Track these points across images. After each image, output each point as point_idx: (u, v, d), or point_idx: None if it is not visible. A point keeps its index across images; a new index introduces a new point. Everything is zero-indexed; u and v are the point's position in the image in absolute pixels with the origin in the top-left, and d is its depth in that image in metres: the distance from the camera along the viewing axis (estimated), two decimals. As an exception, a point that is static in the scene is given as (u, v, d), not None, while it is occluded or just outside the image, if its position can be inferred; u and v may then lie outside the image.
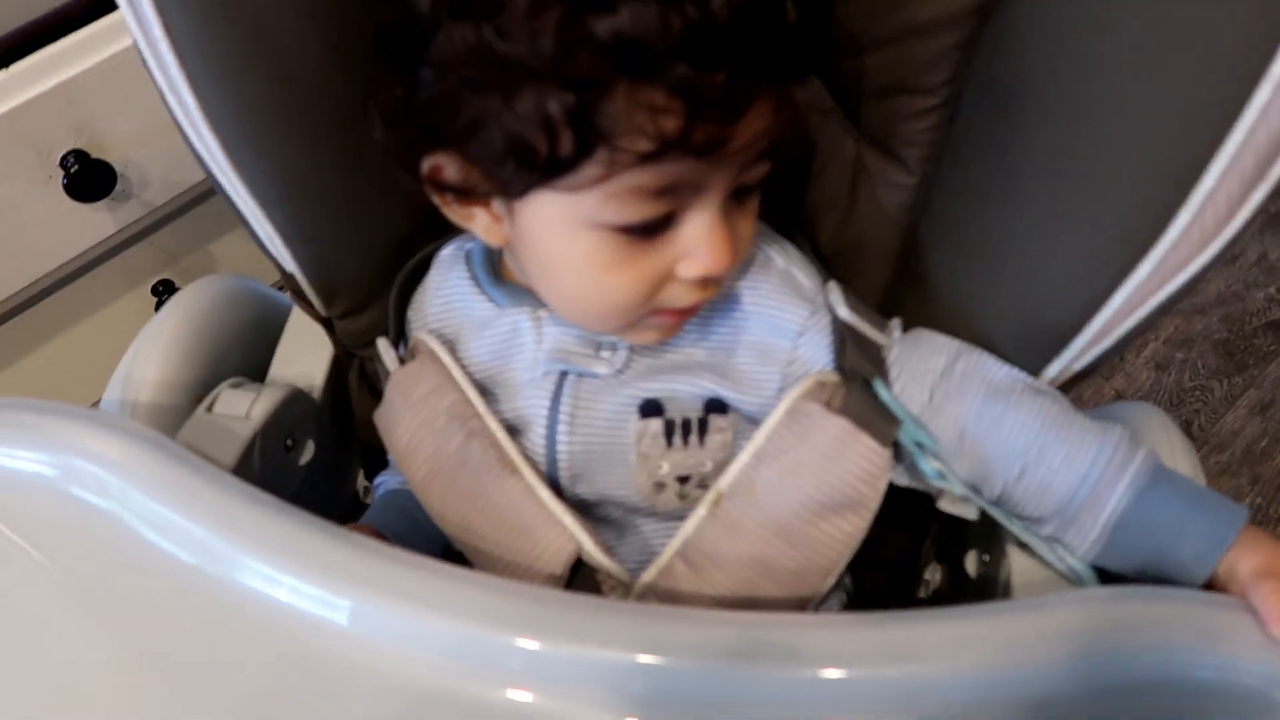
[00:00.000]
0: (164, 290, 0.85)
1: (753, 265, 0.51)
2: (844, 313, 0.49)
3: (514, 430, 0.50)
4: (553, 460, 0.49)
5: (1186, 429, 1.29)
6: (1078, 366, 0.48)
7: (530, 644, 0.38)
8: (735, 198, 0.45)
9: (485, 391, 0.51)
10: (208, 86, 0.47)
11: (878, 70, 0.49)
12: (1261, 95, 0.37)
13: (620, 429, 0.49)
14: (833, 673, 0.37)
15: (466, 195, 0.46)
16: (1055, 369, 0.48)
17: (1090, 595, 0.41)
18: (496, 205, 0.47)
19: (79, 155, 0.69)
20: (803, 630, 0.39)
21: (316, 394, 0.60)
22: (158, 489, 0.43)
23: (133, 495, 0.43)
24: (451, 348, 0.52)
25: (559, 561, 0.47)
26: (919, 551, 0.59)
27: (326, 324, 0.59)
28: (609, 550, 0.47)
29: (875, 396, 0.47)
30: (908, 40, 0.47)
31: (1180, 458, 0.50)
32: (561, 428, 0.49)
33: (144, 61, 0.48)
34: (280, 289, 0.61)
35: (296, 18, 0.47)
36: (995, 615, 0.39)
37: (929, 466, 0.46)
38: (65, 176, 0.69)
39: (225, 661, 0.41)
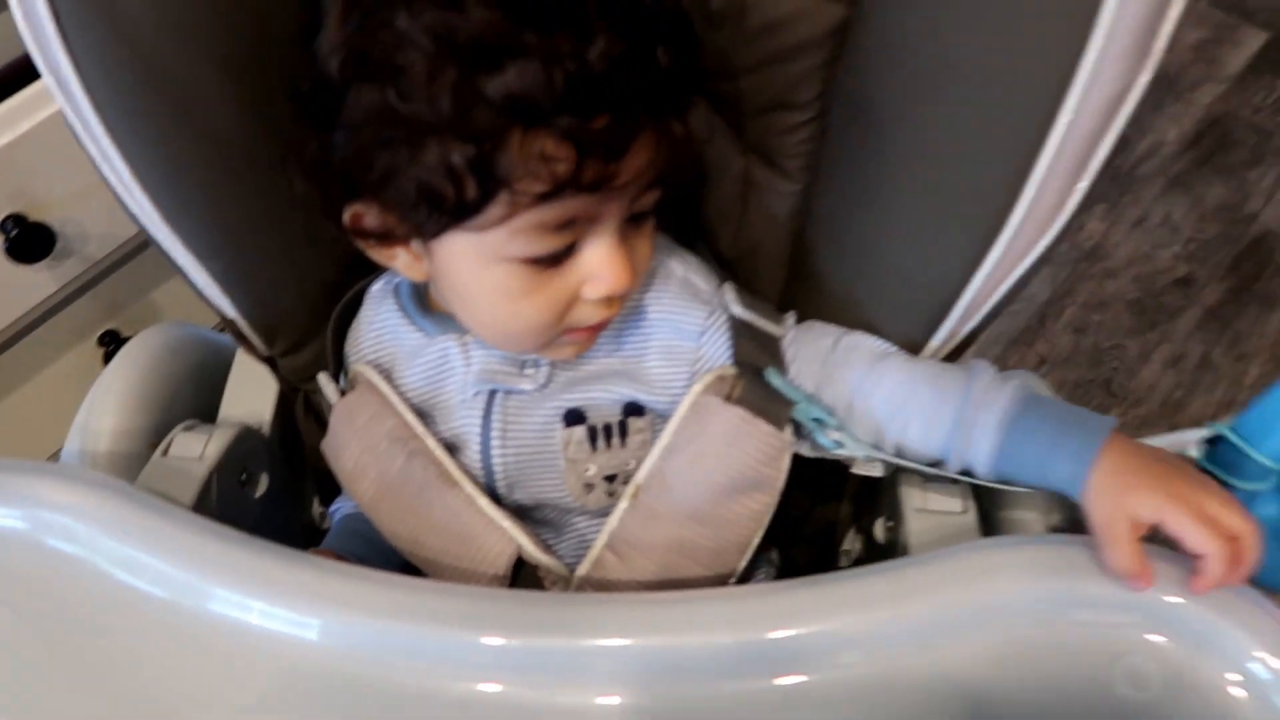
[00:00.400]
0: (110, 341, 0.88)
1: (655, 276, 0.55)
2: (738, 310, 0.54)
3: (452, 448, 0.54)
4: (489, 471, 0.54)
5: (1106, 387, 1.36)
6: (953, 343, 0.53)
7: (491, 640, 0.43)
8: (631, 222, 0.49)
9: (422, 414, 0.55)
10: (137, 152, 0.51)
11: (755, 90, 0.54)
12: (1071, 100, 0.42)
13: (548, 438, 0.53)
14: (727, 637, 0.42)
15: (386, 239, 0.50)
16: (935, 343, 0.53)
17: (959, 550, 0.46)
18: (415, 245, 0.51)
19: (17, 219, 0.72)
20: (702, 603, 0.44)
21: (265, 429, 0.64)
22: (125, 532, 0.46)
23: (101, 540, 0.46)
24: (388, 376, 0.57)
25: (501, 563, 0.51)
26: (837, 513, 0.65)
27: (270, 362, 0.63)
28: (548, 548, 0.52)
29: (769, 384, 0.52)
30: (778, 63, 0.52)
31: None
32: (494, 442, 0.53)
33: (73, 130, 0.51)
34: (222, 331, 0.64)
35: (218, 83, 0.51)
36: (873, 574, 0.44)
37: (826, 439, 0.51)
38: (5, 241, 0.72)
39: (206, 688, 0.45)
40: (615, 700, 0.42)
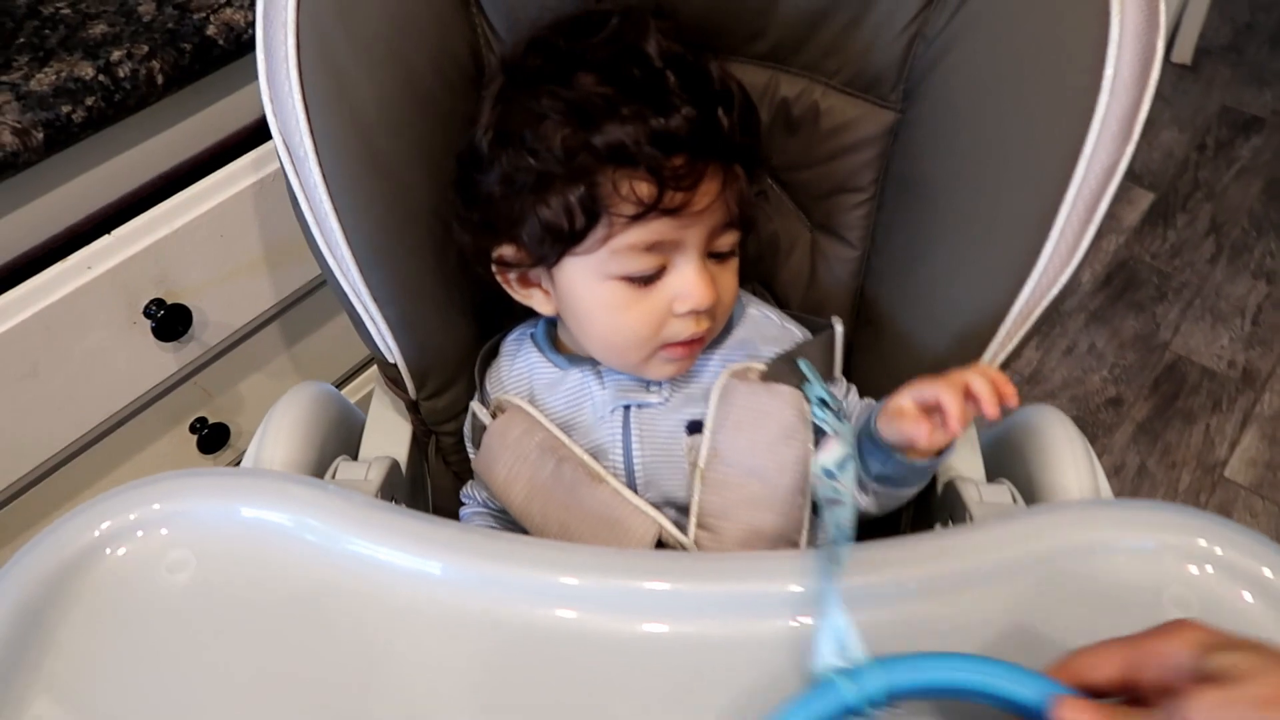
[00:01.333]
0: (201, 426, 0.96)
1: (744, 316, 0.69)
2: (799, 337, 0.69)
3: (594, 457, 0.65)
4: (630, 473, 0.65)
5: (1059, 489, 1.52)
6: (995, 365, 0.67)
7: (566, 579, 0.53)
8: (715, 259, 0.63)
9: (565, 430, 0.66)
10: (350, 218, 0.63)
11: (822, 179, 0.70)
12: (1079, 171, 0.58)
13: (675, 444, 0.65)
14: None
15: (521, 270, 0.64)
16: (978, 369, 0.67)
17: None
18: (545, 282, 0.64)
19: (159, 302, 0.83)
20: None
21: (402, 466, 0.73)
22: (358, 523, 0.56)
23: (337, 532, 0.56)
24: (531, 402, 0.68)
25: (647, 541, 0.61)
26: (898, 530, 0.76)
27: (413, 406, 0.73)
28: (682, 530, 0.63)
29: (786, 368, 0.65)
30: (842, 156, 0.69)
31: (1078, 454, 0.69)
32: (634, 446, 0.65)
33: (294, 198, 0.64)
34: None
35: (420, 168, 0.65)
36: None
37: (820, 412, 0.64)
38: (152, 321, 0.82)
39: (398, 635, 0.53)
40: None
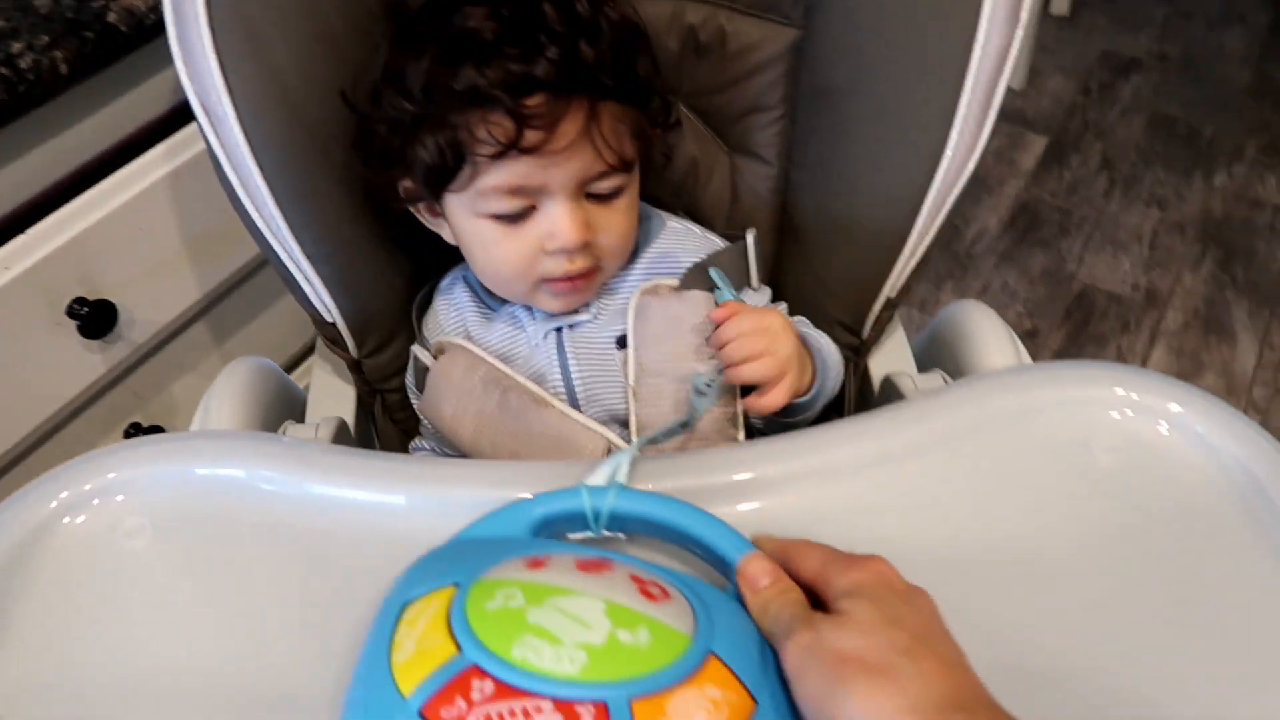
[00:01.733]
0: (135, 431, 0.95)
1: (664, 234, 0.71)
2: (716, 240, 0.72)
3: (535, 383, 0.67)
4: (571, 393, 0.67)
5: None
6: (913, 264, 0.70)
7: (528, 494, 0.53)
8: (596, 200, 0.64)
9: (505, 362, 0.68)
10: (276, 176, 0.64)
11: (734, 102, 0.73)
12: (975, 57, 0.62)
13: (608, 359, 0.67)
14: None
15: (427, 204, 0.66)
16: (899, 268, 0.70)
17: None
18: (443, 214, 0.66)
19: (82, 300, 0.81)
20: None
21: (350, 429, 0.74)
22: (315, 467, 0.56)
23: (291, 479, 0.56)
24: (468, 340, 0.69)
25: (597, 456, 0.63)
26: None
27: (356, 366, 0.74)
28: (627, 441, 0.64)
29: (709, 278, 0.68)
30: (751, 77, 0.71)
31: (1000, 336, 0.73)
32: (571, 364, 0.67)
33: (218, 164, 0.64)
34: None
35: (339, 119, 0.65)
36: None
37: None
38: (77, 320, 0.81)
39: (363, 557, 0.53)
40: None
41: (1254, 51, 2.21)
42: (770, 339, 0.62)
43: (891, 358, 0.78)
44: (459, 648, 0.40)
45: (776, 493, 0.55)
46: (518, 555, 0.46)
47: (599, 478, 0.51)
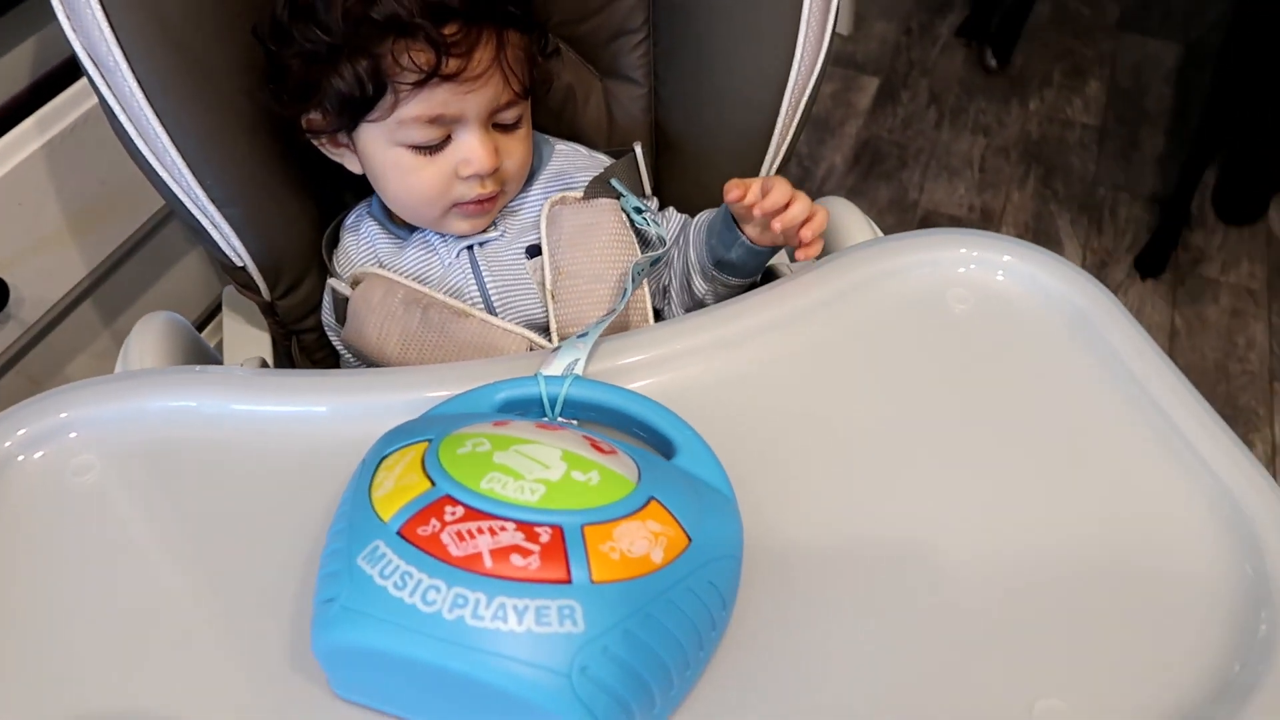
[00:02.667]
0: (33, 417, 0.94)
1: (554, 154, 0.77)
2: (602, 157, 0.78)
3: (453, 297, 0.71)
4: (488, 303, 0.72)
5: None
6: (778, 162, 0.78)
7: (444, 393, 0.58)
8: (501, 130, 0.69)
9: (421, 283, 0.72)
10: (174, 122, 0.66)
11: (600, 28, 0.79)
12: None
13: (519, 268, 0.73)
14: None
15: (332, 135, 0.69)
16: (766, 165, 0.78)
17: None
18: (350, 145, 0.70)
19: (-33, 278, 0.81)
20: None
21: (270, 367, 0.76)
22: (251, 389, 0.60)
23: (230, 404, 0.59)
24: (382, 268, 0.73)
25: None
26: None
27: (269, 309, 0.76)
28: (546, 341, 0.70)
29: (610, 187, 0.74)
30: (612, 4, 0.77)
31: (859, 220, 0.82)
32: (486, 276, 0.72)
33: (113, 116, 0.65)
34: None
35: (234, 58, 0.68)
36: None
37: (639, 219, 0.73)
38: (-34, 297, 0.80)
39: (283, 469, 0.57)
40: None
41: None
42: (803, 196, 0.66)
43: (767, 253, 0.86)
44: (433, 483, 0.45)
45: (684, 365, 0.62)
46: (484, 421, 0.51)
47: (555, 368, 0.57)
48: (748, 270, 0.74)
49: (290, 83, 0.66)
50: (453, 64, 0.63)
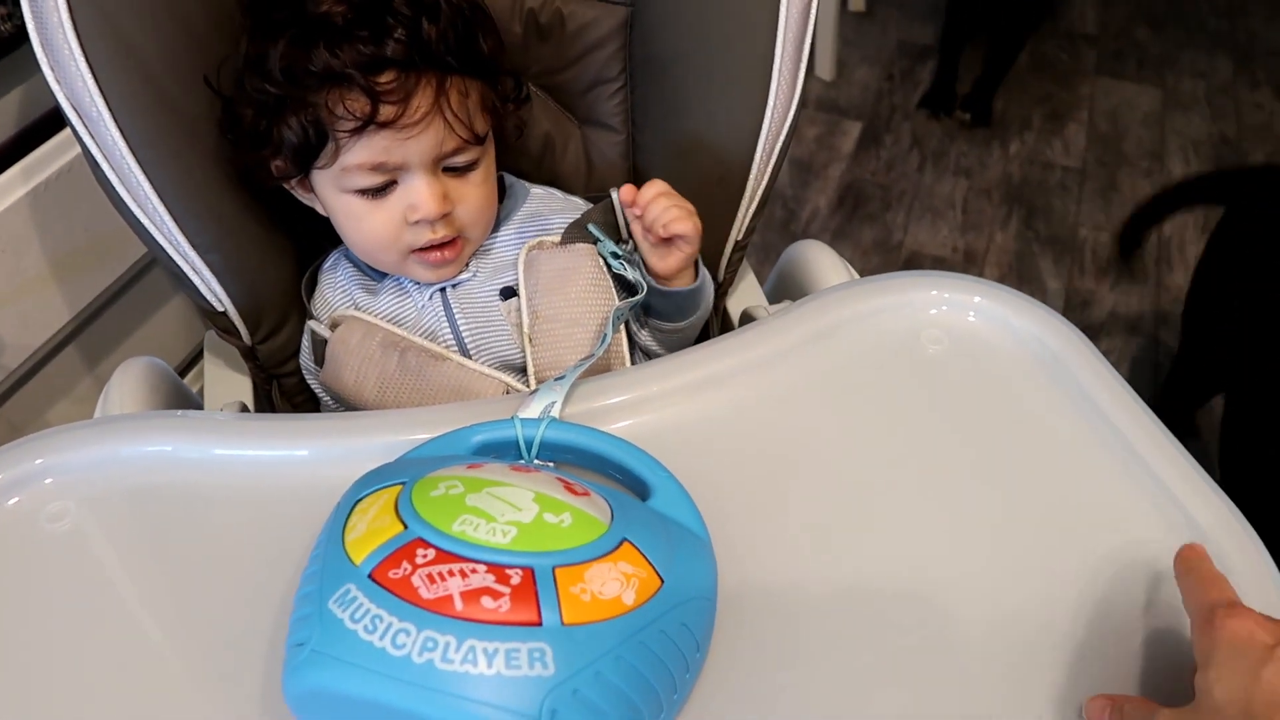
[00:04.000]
0: (14, 463, 0.93)
1: (529, 197, 0.78)
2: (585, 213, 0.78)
3: (427, 340, 0.72)
4: (462, 345, 0.72)
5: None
6: (753, 208, 0.79)
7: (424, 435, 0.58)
8: (453, 173, 0.69)
9: (396, 325, 0.73)
10: (156, 169, 0.66)
11: (578, 78, 0.80)
12: (782, 15, 0.71)
13: (493, 309, 0.73)
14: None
15: (299, 181, 0.70)
16: (742, 212, 0.79)
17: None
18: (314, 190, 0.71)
19: (-52, 327, 0.81)
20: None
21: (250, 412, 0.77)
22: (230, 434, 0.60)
23: (208, 449, 0.59)
24: (358, 311, 0.74)
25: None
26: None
27: (249, 354, 0.77)
28: (521, 384, 0.70)
29: (587, 232, 0.74)
30: (590, 54, 0.79)
31: (835, 263, 0.83)
32: (459, 318, 0.73)
33: (95, 165, 0.66)
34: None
35: (200, 106, 0.69)
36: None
37: (615, 264, 0.73)
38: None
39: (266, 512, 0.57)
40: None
41: (1028, 35, 2.46)
42: (679, 198, 0.70)
43: (746, 296, 0.87)
44: (405, 526, 0.45)
45: (660, 407, 0.63)
46: (458, 464, 0.51)
47: (532, 410, 0.57)
48: (667, 313, 0.75)
49: (246, 130, 0.68)
50: (388, 111, 0.64)
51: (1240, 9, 2.61)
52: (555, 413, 0.58)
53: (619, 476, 0.57)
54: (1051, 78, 2.37)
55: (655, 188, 0.69)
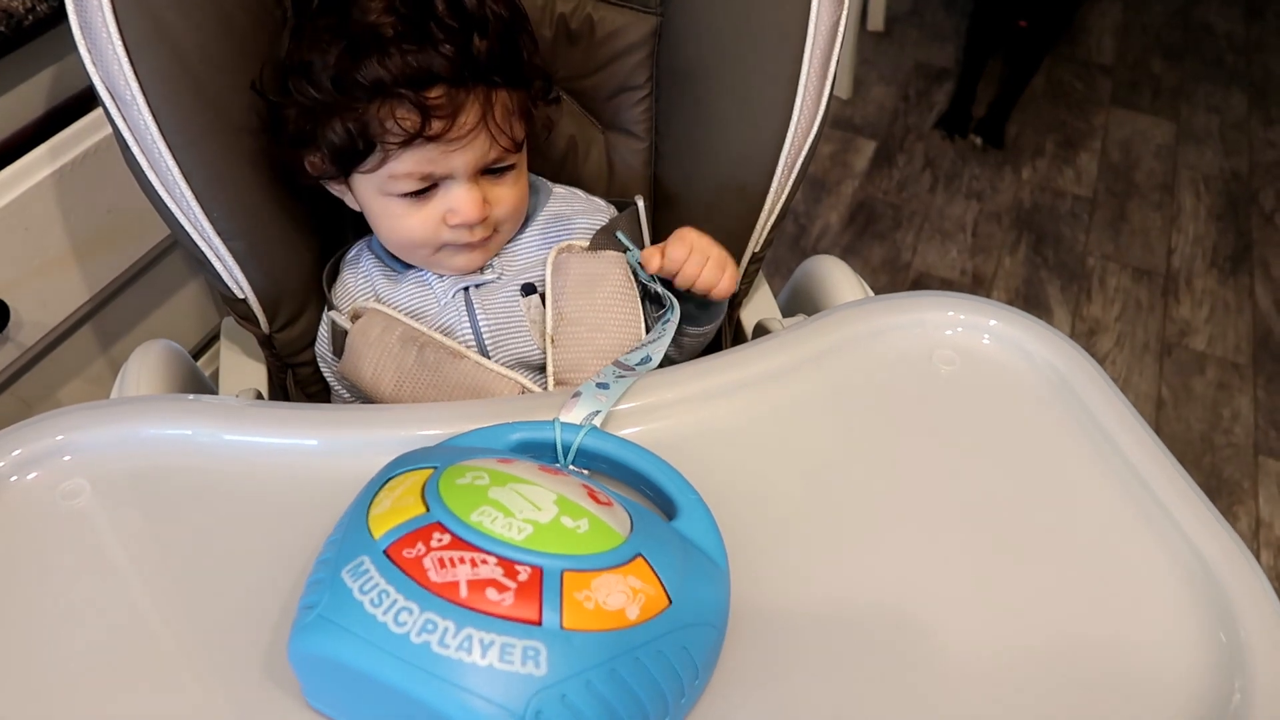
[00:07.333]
0: (24, 439, 0.94)
1: (552, 197, 0.79)
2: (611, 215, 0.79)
3: (445, 335, 0.72)
4: (480, 343, 0.73)
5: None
6: (772, 221, 0.80)
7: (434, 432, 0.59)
8: (490, 175, 0.71)
9: (415, 318, 0.73)
10: (185, 154, 0.67)
11: (604, 83, 0.81)
12: (810, 31, 0.72)
13: (514, 306, 0.74)
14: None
15: (332, 178, 0.71)
16: (761, 224, 0.80)
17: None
18: (349, 185, 0.72)
19: (-30, 300, 0.82)
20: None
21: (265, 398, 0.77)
22: (241, 419, 0.60)
23: (221, 434, 0.60)
24: (379, 303, 0.74)
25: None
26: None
27: (266, 342, 0.77)
28: (540, 386, 0.71)
29: (615, 239, 0.75)
30: (617, 60, 0.80)
31: (850, 279, 0.83)
32: (480, 317, 0.73)
33: (126, 147, 0.67)
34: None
35: (243, 96, 0.70)
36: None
37: (643, 273, 0.74)
38: (-35, 317, 0.81)
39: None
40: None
41: (1045, 60, 2.47)
42: (701, 251, 0.72)
43: (760, 308, 0.88)
44: (427, 508, 0.46)
45: (672, 414, 0.63)
46: (492, 457, 0.52)
47: (575, 415, 0.58)
48: (696, 318, 0.77)
49: (288, 131, 0.69)
50: (437, 125, 0.65)
51: (1257, 45, 2.62)
52: (598, 422, 0.58)
53: (650, 493, 0.57)
54: (1066, 106, 2.38)
55: (682, 249, 0.71)
